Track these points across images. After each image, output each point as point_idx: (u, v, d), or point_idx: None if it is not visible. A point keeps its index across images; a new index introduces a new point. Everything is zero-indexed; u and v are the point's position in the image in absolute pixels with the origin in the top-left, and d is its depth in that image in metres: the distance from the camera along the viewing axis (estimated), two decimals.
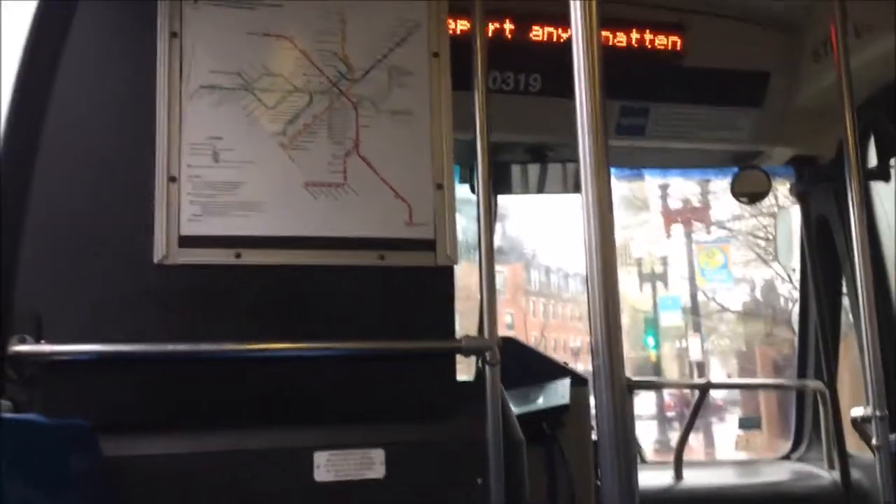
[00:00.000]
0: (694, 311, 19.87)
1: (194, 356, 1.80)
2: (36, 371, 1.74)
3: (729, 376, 21.35)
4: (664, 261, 20.73)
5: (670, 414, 18.92)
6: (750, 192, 3.23)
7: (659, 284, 20.82)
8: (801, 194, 3.24)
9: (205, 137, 1.87)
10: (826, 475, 3.17)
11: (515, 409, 2.14)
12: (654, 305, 20.82)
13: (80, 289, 1.79)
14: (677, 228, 19.34)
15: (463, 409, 1.96)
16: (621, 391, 1.18)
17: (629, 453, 1.20)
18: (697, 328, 19.71)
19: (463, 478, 1.90)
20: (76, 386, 1.76)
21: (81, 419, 1.67)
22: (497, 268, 2.15)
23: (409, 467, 1.87)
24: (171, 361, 1.80)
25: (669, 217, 19.19)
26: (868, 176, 2.98)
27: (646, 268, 20.52)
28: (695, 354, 19.54)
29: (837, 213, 3.20)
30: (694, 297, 19.69)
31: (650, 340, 20.50)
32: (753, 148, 3.14)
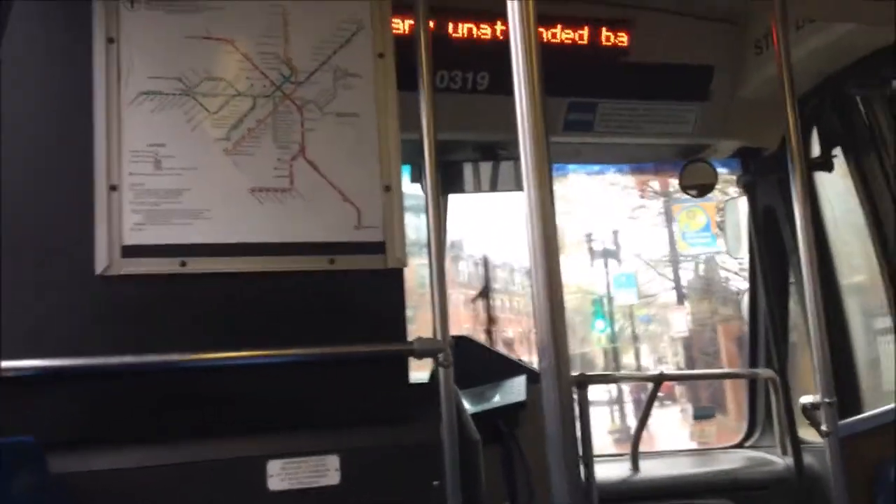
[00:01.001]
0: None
1: (141, 368, 1.77)
2: None
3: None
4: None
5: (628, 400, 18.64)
6: (698, 185, 3.26)
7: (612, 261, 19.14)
8: (747, 186, 3.29)
9: (146, 144, 1.84)
10: (779, 461, 3.23)
11: (471, 408, 2.14)
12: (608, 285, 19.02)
13: (21, 303, 1.75)
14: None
15: (417, 412, 1.95)
16: (567, 389, 1.19)
17: (576, 450, 1.21)
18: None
19: (419, 480, 1.90)
20: (20, 402, 1.71)
21: (27, 436, 1.63)
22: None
23: (364, 472, 1.85)
24: (118, 374, 1.77)
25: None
26: (812, 167, 3.04)
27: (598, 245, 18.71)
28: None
29: (783, 204, 3.25)
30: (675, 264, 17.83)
31: (599, 324, 18.88)
32: (700, 141, 3.19)
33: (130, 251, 1.80)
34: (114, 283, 1.78)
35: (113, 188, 1.80)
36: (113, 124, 1.82)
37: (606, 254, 19.15)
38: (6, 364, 1.69)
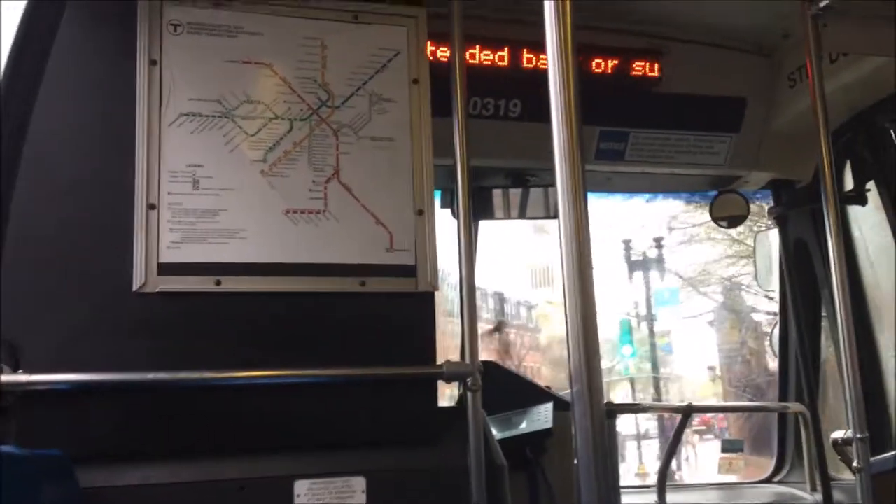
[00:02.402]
0: None
1: (173, 385, 1.79)
2: (12, 401, 1.72)
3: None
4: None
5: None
6: (728, 216, 3.26)
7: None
8: (778, 218, 3.27)
9: (185, 165, 1.87)
10: (808, 498, 3.18)
11: (498, 434, 2.14)
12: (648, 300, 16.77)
13: (57, 317, 1.78)
14: None
15: (445, 435, 1.95)
16: (600, 417, 1.19)
17: (609, 478, 1.20)
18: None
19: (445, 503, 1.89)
20: (53, 416, 1.74)
21: (58, 449, 1.65)
22: None
23: (390, 495, 1.85)
24: (150, 390, 1.79)
25: None
26: (845, 200, 3.02)
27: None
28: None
29: (815, 237, 3.23)
30: None
31: (626, 350, 16.82)
32: (732, 172, 3.17)
33: (166, 269, 1.83)
34: (149, 299, 1.81)
35: (151, 206, 1.84)
36: (153, 144, 1.85)
37: (646, 265, 16.53)
38: (39, 378, 1.72)
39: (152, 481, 1.75)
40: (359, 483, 1.84)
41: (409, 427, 1.94)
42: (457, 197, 2.08)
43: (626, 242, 16.56)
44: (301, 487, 1.80)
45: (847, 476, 2.99)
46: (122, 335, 1.80)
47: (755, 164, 3.14)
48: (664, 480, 3.22)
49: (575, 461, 2.56)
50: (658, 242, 16.19)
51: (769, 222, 3.46)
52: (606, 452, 1.18)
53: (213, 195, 1.87)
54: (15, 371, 1.72)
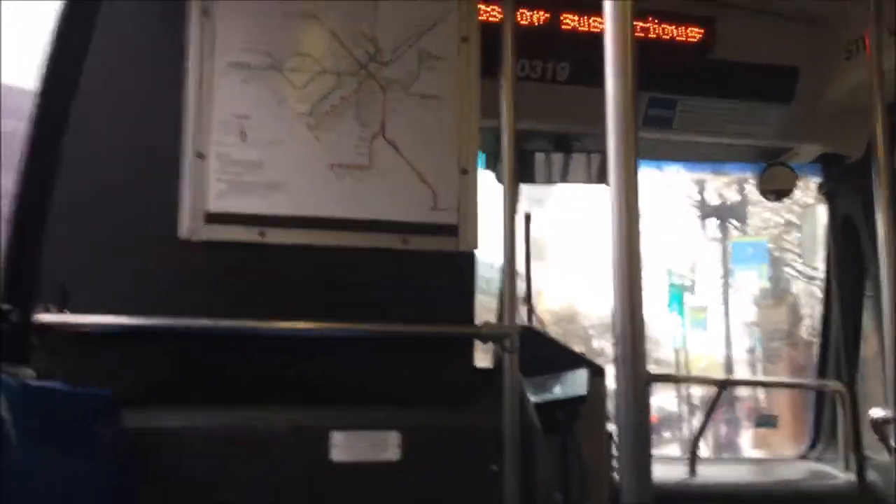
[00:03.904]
0: None
1: (216, 332, 1.82)
2: (60, 341, 1.76)
3: None
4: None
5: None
6: (776, 189, 3.20)
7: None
8: (827, 193, 3.21)
9: (233, 115, 1.88)
10: (842, 476, 3.15)
11: (532, 398, 2.14)
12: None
13: (105, 261, 1.81)
14: None
15: (480, 396, 1.96)
16: (642, 382, 1.18)
17: (647, 445, 1.20)
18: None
19: (478, 464, 1.91)
20: (98, 357, 1.78)
21: (103, 390, 1.69)
22: None
23: (424, 451, 1.87)
24: (193, 337, 1.82)
25: None
26: None
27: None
28: None
29: (863, 214, 3.16)
30: None
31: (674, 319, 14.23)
32: (781, 144, 3.11)
33: (213, 218, 1.85)
34: (195, 248, 1.83)
35: (200, 156, 1.85)
36: (203, 94, 1.87)
37: (723, 212, 13.24)
38: (88, 319, 1.76)
39: (192, 425, 1.78)
40: (393, 437, 1.86)
41: (445, 386, 1.95)
42: (502, 159, 2.07)
43: (700, 183, 13.96)
44: (337, 439, 1.83)
45: (882, 457, 2.96)
46: (168, 282, 1.83)
47: (806, 136, 3.08)
48: (696, 452, 3.22)
49: (608, 429, 2.57)
50: (741, 187, 13.27)
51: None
52: (646, 417, 1.18)
53: (260, 147, 1.88)
54: (63, 312, 1.75)
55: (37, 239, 1.79)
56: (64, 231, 1.80)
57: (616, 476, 2.51)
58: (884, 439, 2.26)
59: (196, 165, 1.85)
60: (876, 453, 3.03)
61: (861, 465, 2.98)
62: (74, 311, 1.76)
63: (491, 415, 1.93)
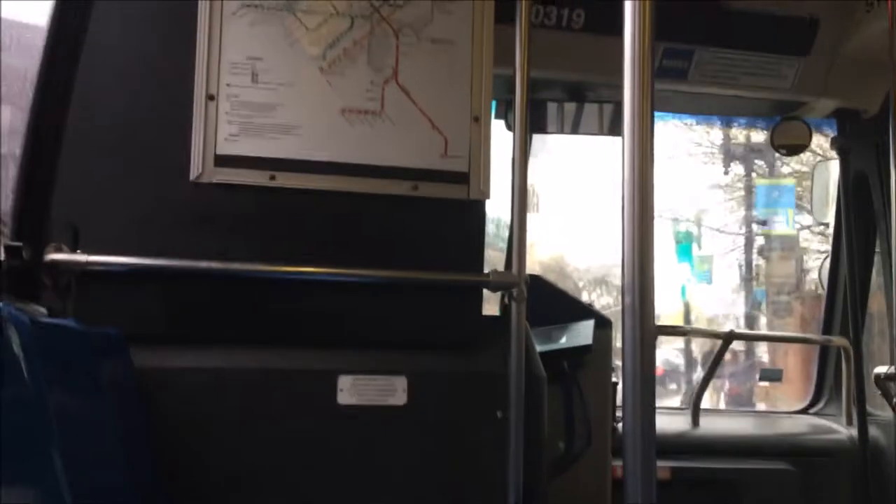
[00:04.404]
0: None
1: (225, 274, 1.83)
2: (71, 280, 1.77)
3: None
4: None
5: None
6: (789, 144, 3.17)
7: None
8: (841, 148, 3.18)
9: (244, 57, 1.86)
10: (843, 431, 3.18)
11: (538, 347, 2.15)
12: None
13: (116, 202, 1.81)
14: None
15: (487, 343, 1.98)
16: (650, 334, 1.19)
17: (651, 396, 1.21)
18: None
19: (483, 409, 1.93)
20: (109, 296, 1.79)
21: (113, 329, 1.70)
22: None
23: (430, 396, 1.89)
24: (203, 278, 1.83)
25: None
26: None
27: None
28: None
29: (877, 170, 3.14)
30: None
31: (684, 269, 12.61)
32: (797, 98, 3.07)
33: (223, 161, 1.84)
34: (205, 190, 1.83)
35: (210, 97, 1.84)
36: (214, 34, 1.85)
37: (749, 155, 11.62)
38: (98, 258, 1.77)
39: (202, 365, 1.80)
40: (401, 382, 1.88)
41: (452, 333, 1.97)
42: (514, 107, 2.05)
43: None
44: (344, 382, 1.85)
45: (884, 413, 2.99)
46: (178, 223, 1.83)
47: (822, 90, 3.04)
48: (699, 404, 3.25)
49: (612, 379, 2.58)
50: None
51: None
52: (652, 368, 1.19)
53: (271, 89, 1.87)
54: (74, 251, 1.76)
55: (47, 177, 1.79)
56: (74, 171, 1.80)
57: (619, 426, 2.54)
58: (886, 395, 2.28)
59: (207, 107, 1.84)
60: (878, 409, 3.06)
61: (863, 420, 3.01)
62: (85, 250, 1.77)
63: (497, 362, 1.95)
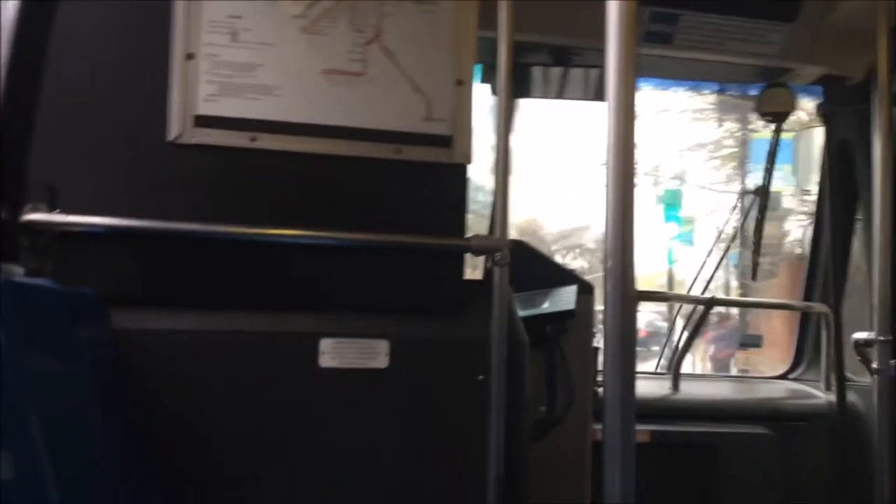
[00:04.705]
0: None
1: (205, 236, 1.81)
2: (48, 241, 1.75)
3: None
4: None
5: None
6: (774, 112, 3.17)
7: None
8: (826, 116, 3.18)
9: (224, 15, 1.83)
10: (822, 396, 3.22)
11: (520, 312, 2.16)
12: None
13: (94, 162, 1.79)
14: None
15: (469, 308, 1.97)
16: (630, 299, 1.19)
17: (632, 361, 1.22)
18: None
19: (465, 373, 1.93)
20: (87, 258, 1.77)
21: (91, 290, 1.69)
22: None
23: (412, 359, 1.90)
24: (181, 240, 1.81)
25: None
26: None
27: None
28: None
29: (860, 138, 3.14)
30: None
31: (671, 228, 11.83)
32: (783, 64, 3.06)
33: (203, 121, 1.81)
34: (184, 151, 1.81)
35: (189, 56, 1.81)
36: None
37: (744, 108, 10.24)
38: (76, 219, 1.75)
39: (181, 327, 1.79)
40: (382, 346, 1.87)
41: (434, 297, 1.96)
42: (498, 70, 2.03)
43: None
44: (325, 345, 1.84)
45: (862, 379, 3.02)
46: (157, 185, 1.81)
47: (808, 57, 3.03)
48: (678, 368, 3.28)
49: (594, 344, 2.59)
50: None
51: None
52: (633, 332, 1.19)
53: (252, 49, 1.84)
54: (51, 211, 1.74)
55: (24, 137, 1.77)
56: (52, 131, 1.77)
57: (600, 391, 2.56)
58: (865, 361, 2.30)
59: (185, 67, 1.81)
60: (857, 375, 3.09)
61: (842, 386, 3.04)
62: (62, 211, 1.75)
63: (480, 326, 1.95)
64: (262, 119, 1.84)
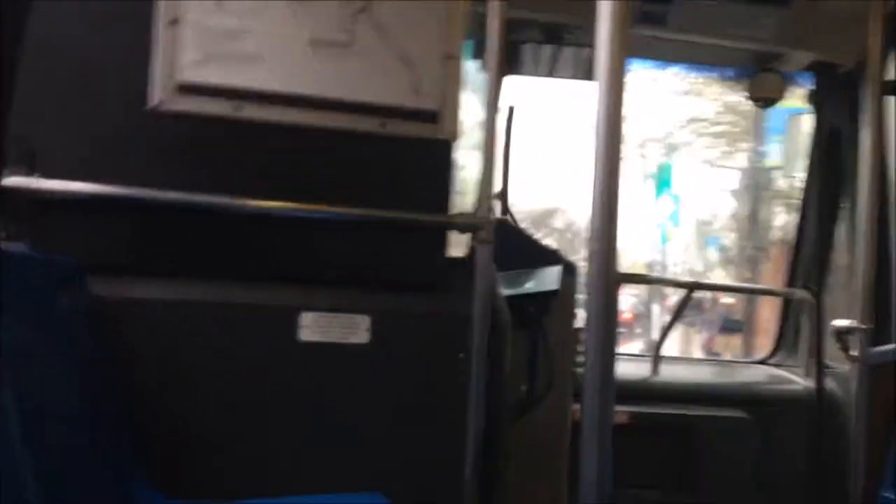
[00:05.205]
0: None
1: (187, 205, 1.79)
2: (26, 205, 1.73)
3: None
4: None
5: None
6: (765, 97, 3.16)
7: None
8: (816, 102, 3.18)
9: None
10: (801, 382, 3.24)
11: (504, 291, 2.15)
12: None
13: (75, 128, 1.76)
14: None
15: (452, 285, 1.97)
16: (613, 281, 1.18)
17: (612, 343, 1.21)
18: None
19: (446, 351, 1.93)
20: (68, 225, 1.75)
21: (69, 256, 1.67)
22: None
23: (393, 335, 1.89)
24: (163, 209, 1.79)
25: None
26: (887, 89, 2.92)
27: None
28: None
29: (850, 125, 3.14)
30: None
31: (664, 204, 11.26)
32: (775, 49, 3.05)
33: (186, 89, 1.79)
34: (167, 119, 1.78)
35: (173, 21, 1.78)
36: None
37: None
38: (56, 185, 1.72)
39: (161, 297, 1.78)
40: (363, 321, 1.87)
41: (417, 273, 1.95)
42: (489, 46, 2.01)
43: None
44: (306, 319, 1.83)
45: (842, 366, 3.04)
46: (139, 152, 1.78)
47: (800, 42, 3.02)
48: (659, 351, 3.29)
49: (576, 324, 2.59)
50: None
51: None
52: (614, 314, 1.18)
53: (237, 16, 1.81)
54: (30, 176, 1.72)
55: (3, 101, 1.73)
56: (32, 96, 1.74)
57: (581, 371, 2.56)
58: (845, 349, 2.31)
59: (169, 32, 1.77)
60: (836, 362, 3.11)
61: (821, 372, 3.06)
62: (42, 177, 1.72)
63: (462, 304, 1.94)
64: (247, 88, 1.82)
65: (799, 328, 3.39)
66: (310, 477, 1.84)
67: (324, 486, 1.81)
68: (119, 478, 1.58)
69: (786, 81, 3.11)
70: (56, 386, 1.47)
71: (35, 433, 1.28)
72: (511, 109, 2.88)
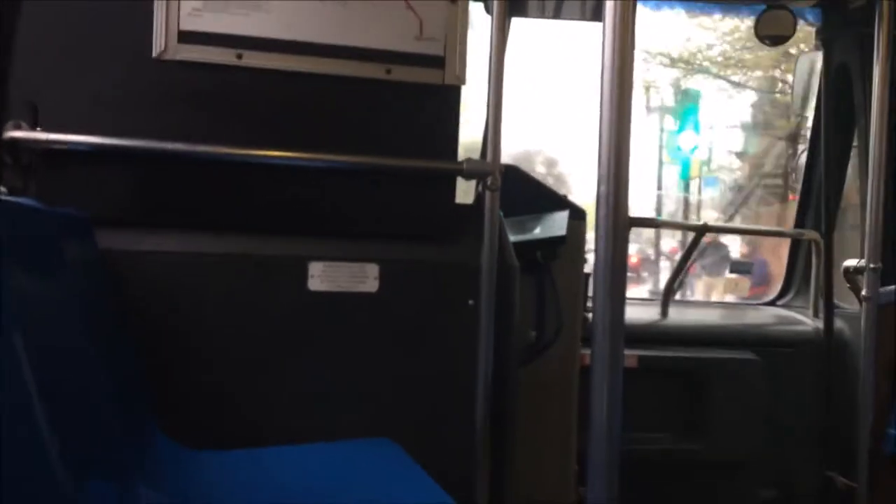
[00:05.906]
0: None
1: (192, 156, 1.78)
2: (32, 159, 1.72)
3: None
4: None
5: None
6: (774, 35, 3.10)
7: None
8: (825, 40, 3.12)
9: None
10: (809, 322, 3.24)
11: (511, 237, 2.14)
12: None
13: (76, 79, 1.74)
14: None
15: (460, 232, 1.96)
16: (622, 225, 1.17)
17: (622, 286, 1.20)
18: None
19: (455, 298, 1.93)
20: (71, 176, 1.75)
21: (75, 209, 1.66)
22: None
23: (402, 283, 1.89)
24: (167, 159, 1.78)
25: None
26: None
27: None
28: None
29: (860, 63, 3.09)
30: None
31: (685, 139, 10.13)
32: None
33: (187, 37, 1.76)
34: (169, 68, 1.76)
35: None
36: None
37: None
38: (59, 137, 1.71)
39: (168, 249, 1.78)
40: (372, 269, 1.86)
41: (425, 221, 1.95)
42: None
43: None
44: (315, 268, 1.83)
45: (851, 306, 3.04)
46: (141, 102, 1.77)
47: None
48: (669, 295, 3.29)
49: (585, 269, 2.58)
50: None
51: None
52: (624, 258, 1.17)
53: None
54: (34, 129, 1.70)
55: (4, 54, 1.71)
56: (34, 46, 1.72)
57: (590, 316, 2.56)
58: (854, 289, 2.31)
59: None
60: (845, 302, 3.11)
61: (829, 313, 3.06)
62: (46, 128, 1.71)
63: (470, 251, 1.94)
64: (249, 35, 1.79)
65: (808, 269, 3.38)
66: (319, 424, 1.85)
67: (333, 433, 1.83)
68: (133, 427, 1.60)
69: (795, 18, 3.05)
70: (68, 335, 1.47)
71: (48, 381, 1.29)
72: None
